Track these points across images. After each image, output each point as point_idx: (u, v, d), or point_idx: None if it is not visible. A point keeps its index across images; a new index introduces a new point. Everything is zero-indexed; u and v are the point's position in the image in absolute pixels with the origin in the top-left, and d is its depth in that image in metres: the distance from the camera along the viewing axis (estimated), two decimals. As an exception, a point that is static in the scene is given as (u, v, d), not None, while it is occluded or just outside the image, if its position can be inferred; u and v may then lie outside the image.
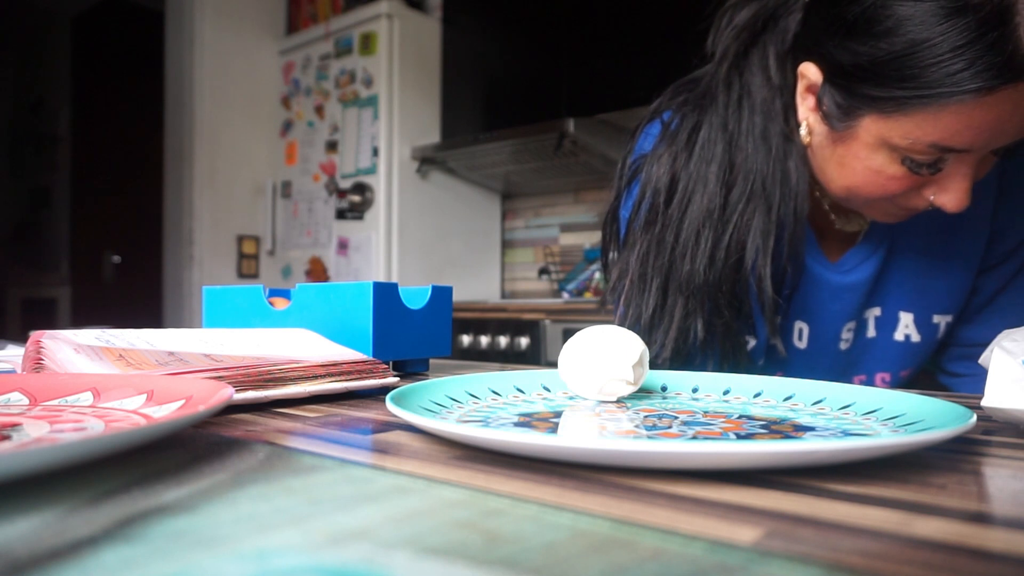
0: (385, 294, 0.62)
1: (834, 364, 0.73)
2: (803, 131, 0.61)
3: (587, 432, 0.35)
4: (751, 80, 0.64)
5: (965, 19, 0.47)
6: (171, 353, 0.47)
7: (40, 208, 4.12)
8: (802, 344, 0.72)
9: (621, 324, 0.67)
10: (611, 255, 0.71)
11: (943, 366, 0.76)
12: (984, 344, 0.69)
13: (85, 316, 3.66)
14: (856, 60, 0.53)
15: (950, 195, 0.54)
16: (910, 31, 0.49)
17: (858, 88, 0.54)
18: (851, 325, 0.72)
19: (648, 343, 0.64)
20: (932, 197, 0.56)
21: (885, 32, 0.50)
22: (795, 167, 0.62)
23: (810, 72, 0.59)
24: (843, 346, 0.73)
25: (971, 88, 0.47)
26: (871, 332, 0.73)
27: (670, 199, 0.64)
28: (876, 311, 0.72)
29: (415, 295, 0.68)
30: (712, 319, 0.63)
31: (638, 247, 0.65)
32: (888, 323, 0.72)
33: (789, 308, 0.69)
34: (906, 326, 0.71)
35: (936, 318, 0.72)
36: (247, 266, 2.80)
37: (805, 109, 0.61)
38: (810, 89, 0.60)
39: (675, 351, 0.64)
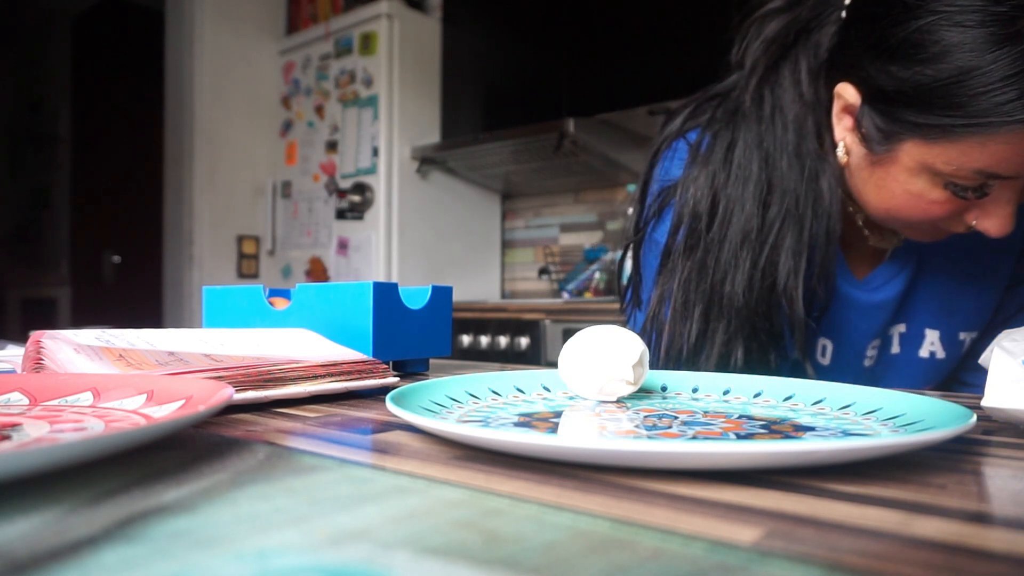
0: (385, 294, 0.62)
1: (856, 381, 0.72)
2: (840, 152, 0.60)
3: (587, 432, 0.35)
4: (783, 95, 0.62)
5: (1018, 48, 0.46)
6: (171, 353, 0.47)
7: (40, 208, 4.12)
8: (825, 361, 0.71)
9: (665, 353, 0.64)
10: (641, 281, 0.70)
11: (960, 377, 0.75)
12: None
13: (85, 316, 3.66)
14: (899, 85, 0.52)
15: (993, 220, 0.53)
16: (958, 58, 0.48)
17: (900, 113, 0.53)
18: (876, 343, 0.71)
19: (692, 370, 0.62)
20: (974, 222, 0.55)
21: (931, 58, 0.49)
22: (828, 187, 0.60)
23: (847, 93, 0.57)
24: (867, 363, 0.72)
25: (1022, 118, 0.47)
26: (895, 348, 0.71)
27: (711, 222, 0.62)
28: (901, 327, 0.71)
29: (415, 295, 0.68)
30: (750, 343, 0.62)
31: (679, 273, 0.63)
32: (913, 340, 0.71)
33: (818, 328, 0.67)
34: (931, 343, 0.70)
35: (962, 335, 0.70)
36: (247, 266, 2.80)
37: (842, 129, 0.59)
38: (847, 110, 0.58)
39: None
